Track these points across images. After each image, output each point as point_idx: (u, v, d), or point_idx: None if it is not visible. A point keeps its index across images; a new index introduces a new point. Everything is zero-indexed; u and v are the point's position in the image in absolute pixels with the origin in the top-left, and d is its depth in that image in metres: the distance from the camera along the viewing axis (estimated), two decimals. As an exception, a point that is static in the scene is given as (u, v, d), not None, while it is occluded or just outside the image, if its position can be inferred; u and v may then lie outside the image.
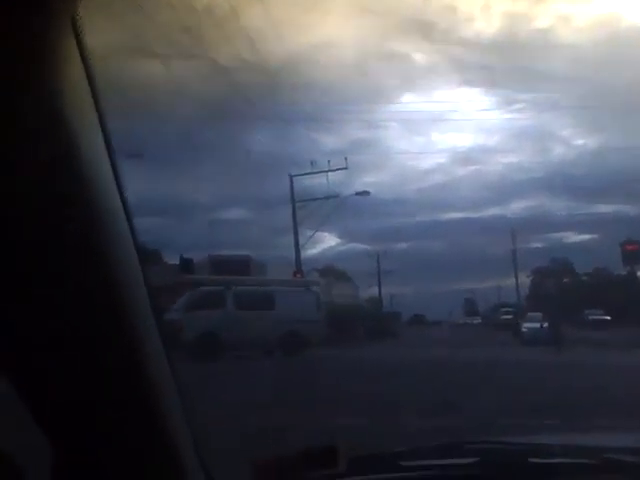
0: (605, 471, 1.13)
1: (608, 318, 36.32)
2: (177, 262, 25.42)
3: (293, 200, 30.28)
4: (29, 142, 0.66)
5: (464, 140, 68.17)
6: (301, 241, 30.39)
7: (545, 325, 25.78)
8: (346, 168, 30.48)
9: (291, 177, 30.33)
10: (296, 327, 17.33)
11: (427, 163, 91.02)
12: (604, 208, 57.88)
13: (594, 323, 35.26)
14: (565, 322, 27.43)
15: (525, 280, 56.00)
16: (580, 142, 70.43)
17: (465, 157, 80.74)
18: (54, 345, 0.76)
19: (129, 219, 0.80)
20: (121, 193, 0.79)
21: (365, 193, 33.38)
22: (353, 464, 1.12)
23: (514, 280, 51.13)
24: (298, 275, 28.08)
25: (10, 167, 0.66)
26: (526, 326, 26.43)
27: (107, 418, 0.84)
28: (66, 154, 0.69)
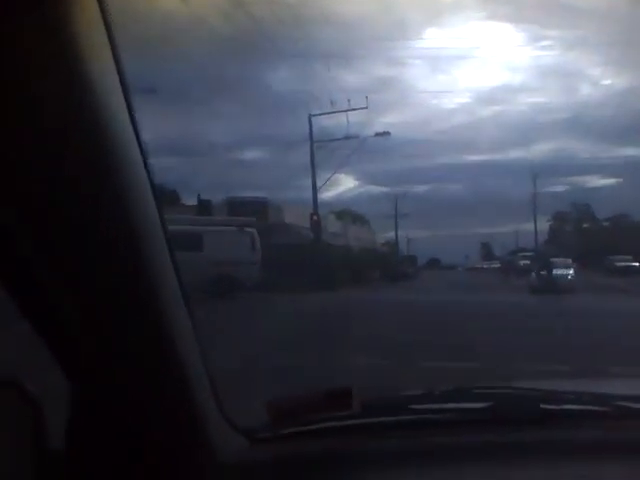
0: (617, 418, 1.14)
1: (636, 265, 34.43)
2: (195, 203, 25.64)
3: (312, 140, 29.89)
4: (43, 79, 0.64)
5: (488, 79, 66.71)
6: (318, 183, 30.22)
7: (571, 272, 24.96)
8: (366, 108, 29.90)
9: (310, 117, 29.86)
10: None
11: (450, 103, 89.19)
12: (630, 151, 56.55)
13: (620, 270, 34.16)
14: (588, 268, 26.92)
15: (545, 225, 55.58)
16: (608, 82, 68.31)
17: (489, 97, 78.82)
18: (73, 286, 0.77)
19: (145, 160, 0.79)
20: (137, 133, 0.77)
21: (385, 134, 32.89)
22: (364, 405, 1.14)
23: (533, 225, 50.75)
24: (315, 217, 28.08)
25: (22, 107, 0.64)
26: (557, 272, 25.39)
27: (124, 357, 0.85)
28: (81, 96, 0.67)
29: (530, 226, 51.26)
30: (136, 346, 0.85)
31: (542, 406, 1.16)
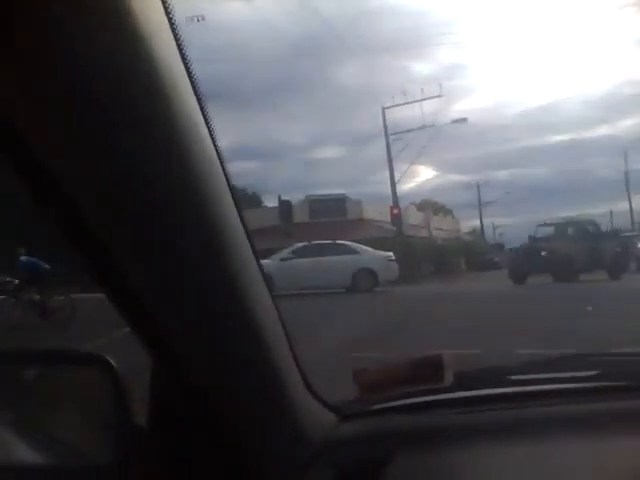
0: None
1: None
2: (276, 205, 26.03)
3: (386, 133, 29.62)
4: (116, 86, 0.62)
5: (567, 55, 63.22)
6: (396, 176, 29.87)
7: None
8: (441, 96, 29.31)
9: (383, 109, 29.60)
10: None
11: (527, 84, 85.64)
12: None
13: None
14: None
15: (640, 203, 52.17)
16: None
17: (569, 73, 74.97)
18: (163, 281, 0.75)
19: (222, 164, 0.78)
20: (212, 137, 0.76)
21: (462, 120, 32.12)
22: (459, 378, 1.07)
23: (628, 204, 47.80)
24: (395, 211, 27.80)
25: (101, 115, 0.62)
26: None
27: (210, 339, 0.83)
28: (153, 100, 0.66)
29: (625, 205, 48.34)
30: (221, 328, 0.83)
31: None
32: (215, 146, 0.76)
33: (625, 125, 75.48)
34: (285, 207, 24.12)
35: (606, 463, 0.87)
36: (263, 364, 0.90)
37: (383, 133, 29.54)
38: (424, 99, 28.89)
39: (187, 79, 0.71)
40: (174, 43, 0.69)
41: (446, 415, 1.06)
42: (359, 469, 0.94)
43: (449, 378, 1.03)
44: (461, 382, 1.09)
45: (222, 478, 0.89)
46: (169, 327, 0.79)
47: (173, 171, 0.70)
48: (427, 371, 1.03)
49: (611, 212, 47.36)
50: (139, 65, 0.63)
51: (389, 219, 28.18)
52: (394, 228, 27.52)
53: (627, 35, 67.28)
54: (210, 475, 0.89)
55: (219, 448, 0.89)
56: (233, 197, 0.80)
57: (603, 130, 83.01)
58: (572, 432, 0.94)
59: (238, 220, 0.82)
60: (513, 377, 1.12)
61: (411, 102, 29.06)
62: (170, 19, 0.67)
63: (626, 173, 46.71)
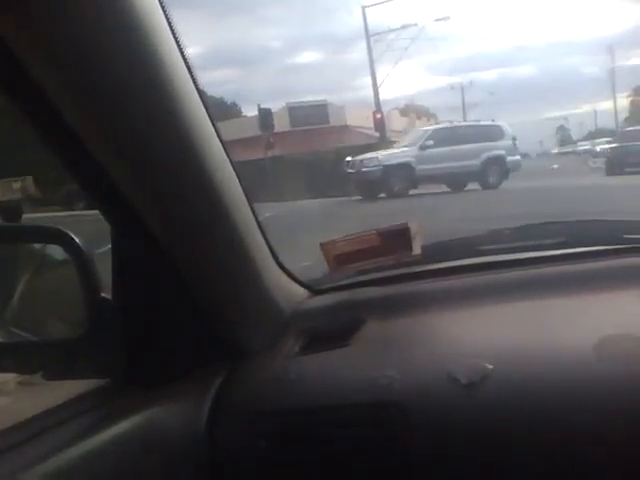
0: None
1: None
2: (256, 114, 25.44)
3: (367, 34, 28.54)
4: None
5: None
6: (379, 79, 29.08)
7: None
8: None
9: (363, 8, 28.36)
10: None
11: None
12: None
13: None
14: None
15: (624, 102, 51.72)
16: None
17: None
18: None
19: (191, 73, 0.77)
20: (179, 45, 0.74)
21: (445, 18, 31.08)
22: (428, 249, 1.08)
23: (612, 103, 47.29)
24: (378, 116, 27.33)
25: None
26: None
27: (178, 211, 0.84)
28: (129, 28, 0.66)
29: (609, 104, 47.83)
30: (192, 209, 0.82)
31: (625, 236, 1.06)
32: (182, 55, 0.75)
33: (610, 22, 73.29)
34: (265, 116, 23.57)
35: (573, 319, 0.90)
36: (233, 242, 0.90)
37: (364, 34, 28.45)
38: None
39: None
40: None
41: (416, 284, 1.07)
42: (328, 335, 0.96)
43: (417, 248, 1.04)
44: (430, 254, 1.10)
45: (192, 347, 0.91)
46: (141, 205, 0.79)
47: (142, 81, 0.70)
48: (396, 241, 1.03)
49: (595, 111, 46.98)
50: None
51: (372, 125, 27.72)
52: (377, 134, 27.15)
53: None
54: (181, 344, 0.90)
55: (190, 319, 0.91)
56: (204, 103, 0.80)
57: (588, 28, 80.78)
58: (540, 294, 0.97)
59: (210, 126, 0.81)
60: (482, 247, 1.13)
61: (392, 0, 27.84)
62: None
63: (611, 70, 45.91)
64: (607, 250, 1.03)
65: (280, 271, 1.05)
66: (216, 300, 0.92)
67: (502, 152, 15.40)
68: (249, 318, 0.96)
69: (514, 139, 16.38)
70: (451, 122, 16.87)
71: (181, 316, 0.89)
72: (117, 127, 0.72)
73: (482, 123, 16.80)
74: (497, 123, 16.67)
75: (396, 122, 34.08)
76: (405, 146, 15.43)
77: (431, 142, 15.17)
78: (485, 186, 14.77)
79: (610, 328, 0.83)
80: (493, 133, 15.87)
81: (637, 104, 52.19)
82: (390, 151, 14.93)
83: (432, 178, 14.45)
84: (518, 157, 16.27)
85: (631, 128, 23.75)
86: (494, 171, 15.30)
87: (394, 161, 14.16)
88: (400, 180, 13.99)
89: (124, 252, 0.84)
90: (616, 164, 17.82)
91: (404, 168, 14.10)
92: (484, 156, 15.15)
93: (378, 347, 0.92)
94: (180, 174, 0.79)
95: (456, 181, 14.69)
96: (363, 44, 28.49)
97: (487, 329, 0.92)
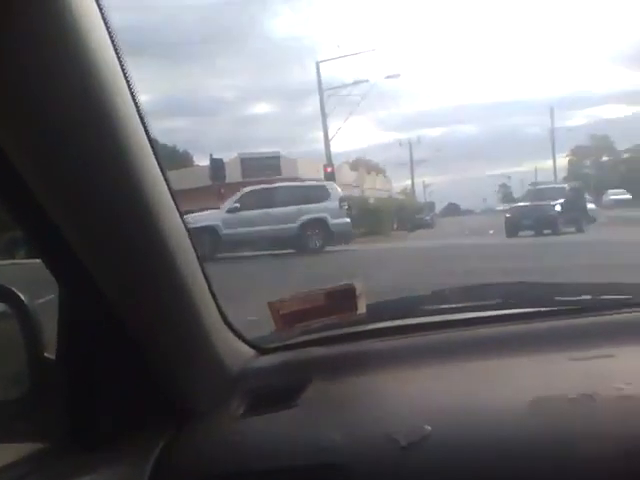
0: (634, 305, 1.10)
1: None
2: (207, 163, 25.44)
3: (320, 88, 29.34)
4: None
5: (498, 16, 64.31)
6: (330, 133, 29.80)
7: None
8: (375, 50, 29.10)
9: (317, 64, 29.24)
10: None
11: (462, 41, 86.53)
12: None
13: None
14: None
15: (563, 161, 54.49)
16: None
17: (499, 35, 76.29)
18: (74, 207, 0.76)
19: (143, 121, 0.77)
20: (132, 92, 0.75)
21: (395, 76, 32.53)
22: (372, 309, 1.11)
23: (552, 162, 49.73)
24: (329, 169, 27.84)
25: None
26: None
27: (123, 269, 0.83)
28: (74, 57, 0.66)
29: (550, 163, 50.29)
30: (140, 266, 0.82)
31: (557, 298, 1.12)
32: (135, 103, 0.75)
33: (552, 84, 77.97)
34: (217, 166, 23.60)
35: (510, 380, 0.94)
36: (181, 301, 0.90)
37: (317, 88, 29.23)
38: (358, 53, 28.70)
39: (105, 31, 0.70)
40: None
41: (361, 344, 1.10)
42: (274, 396, 0.97)
43: (362, 307, 1.07)
44: (375, 313, 1.13)
45: (137, 409, 0.90)
46: (89, 263, 0.79)
47: (92, 128, 0.70)
48: (341, 300, 1.06)
49: (535, 169, 49.25)
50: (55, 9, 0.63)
51: (322, 178, 28.19)
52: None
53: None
54: (126, 406, 0.89)
55: (135, 380, 0.90)
56: (154, 151, 0.80)
57: (531, 89, 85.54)
58: (478, 355, 1.01)
59: (160, 176, 0.82)
60: (425, 307, 1.17)
61: (345, 56, 28.86)
62: None
63: (550, 131, 48.43)
64: (541, 312, 1.09)
65: (228, 330, 1.05)
66: (163, 361, 0.91)
67: (324, 215, 14.61)
68: (195, 379, 0.96)
69: (342, 200, 15.42)
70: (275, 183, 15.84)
71: (126, 377, 0.89)
72: (64, 175, 0.71)
73: (305, 184, 15.96)
74: (322, 183, 15.89)
75: (346, 176, 34.81)
76: (216, 209, 14.68)
77: (238, 205, 14.55)
78: (305, 251, 13.81)
79: (544, 389, 0.87)
80: (316, 194, 15.24)
81: (574, 163, 55.04)
82: (198, 214, 13.54)
83: (241, 242, 13.66)
84: (347, 220, 15.24)
85: (542, 186, 24.68)
86: (316, 235, 14.55)
87: (198, 224, 12.45)
88: (204, 244, 12.13)
89: (70, 312, 0.84)
90: (512, 228, 18.42)
91: (207, 231, 12.96)
92: (303, 219, 14.43)
93: (323, 408, 0.93)
94: (127, 225, 0.79)
95: (272, 245, 13.78)
96: (316, 98, 29.32)
97: (428, 389, 0.95)
